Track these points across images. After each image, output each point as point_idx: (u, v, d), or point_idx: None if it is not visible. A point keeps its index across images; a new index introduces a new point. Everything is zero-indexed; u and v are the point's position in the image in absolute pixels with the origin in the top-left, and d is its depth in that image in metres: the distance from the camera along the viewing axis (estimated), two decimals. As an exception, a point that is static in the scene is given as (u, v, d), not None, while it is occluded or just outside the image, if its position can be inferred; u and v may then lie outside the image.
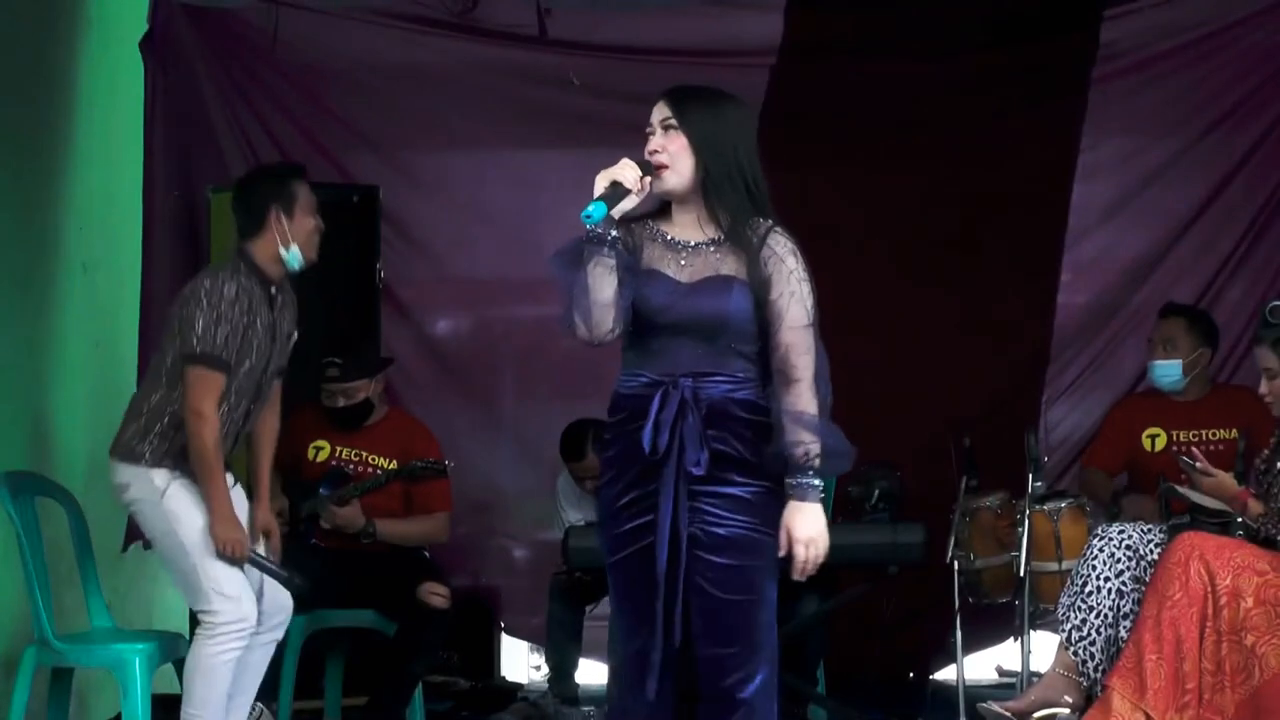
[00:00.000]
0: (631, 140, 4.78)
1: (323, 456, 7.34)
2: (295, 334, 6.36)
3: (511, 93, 8.27)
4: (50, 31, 7.56)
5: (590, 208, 4.55)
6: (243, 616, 6.11)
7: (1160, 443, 7.40)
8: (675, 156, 4.66)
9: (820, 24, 8.10)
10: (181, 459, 6.12)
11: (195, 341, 6.06)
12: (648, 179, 4.63)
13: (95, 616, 6.45)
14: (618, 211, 4.59)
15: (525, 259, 8.47)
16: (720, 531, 4.60)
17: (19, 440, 6.91)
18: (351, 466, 7.32)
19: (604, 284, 4.56)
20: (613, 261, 4.56)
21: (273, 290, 6.25)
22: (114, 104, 8.02)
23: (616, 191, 4.59)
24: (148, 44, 8.01)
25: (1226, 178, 8.25)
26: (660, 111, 4.70)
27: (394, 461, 7.30)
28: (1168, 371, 7.31)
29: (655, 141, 4.67)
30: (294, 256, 6.26)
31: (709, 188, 4.65)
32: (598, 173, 4.65)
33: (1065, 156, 8.24)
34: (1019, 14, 8.06)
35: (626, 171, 4.61)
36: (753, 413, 4.63)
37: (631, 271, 4.61)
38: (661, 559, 4.59)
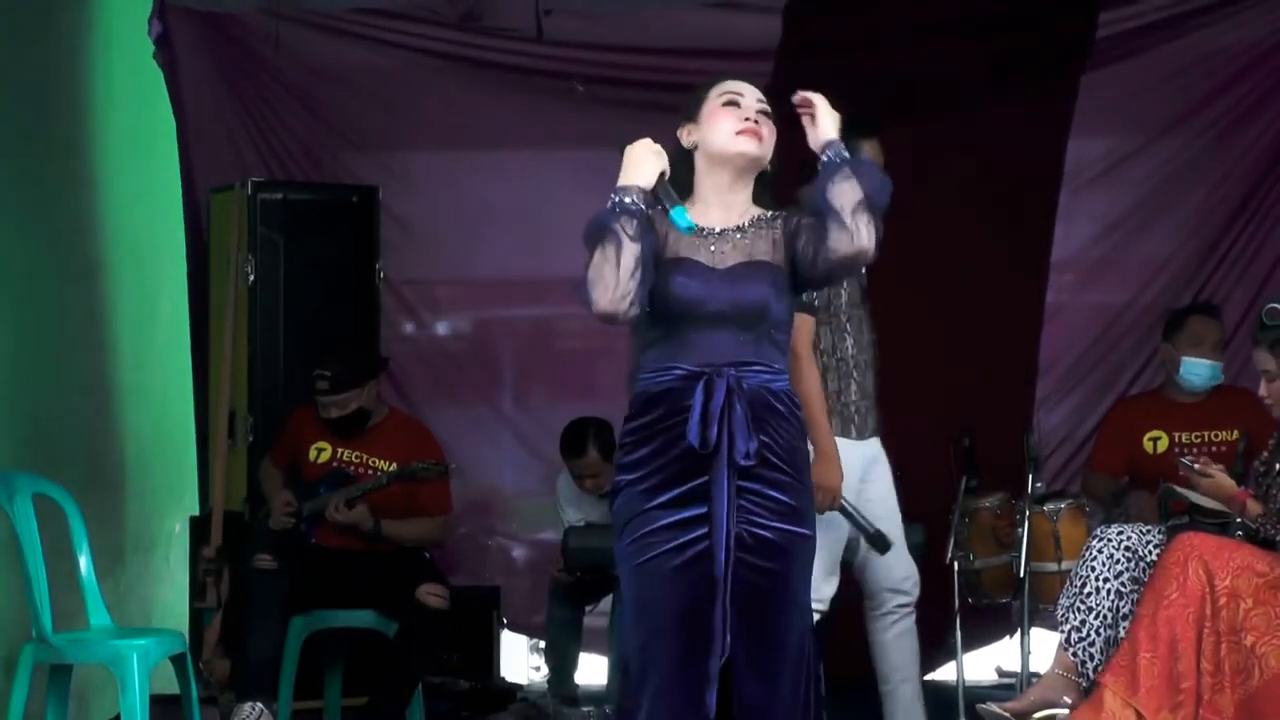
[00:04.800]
0: (631, 140, 4.73)
1: (324, 458, 7.33)
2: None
3: (511, 93, 8.28)
4: (55, 35, 7.57)
5: (687, 221, 4.52)
6: (821, 599, 6.16)
7: (1162, 444, 7.39)
8: (766, 137, 4.64)
9: (818, 25, 8.11)
10: (833, 420, 6.26)
11: None
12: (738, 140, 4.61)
13: (94, 616, 6.45)
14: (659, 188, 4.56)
15: (525, 259, 8.48)
16: (767, 535, 4.50)
17: (18, 440, 6.91)
18: (352, 469, 7.31)
19: (632, 255, 4.46)
20: (639, 242, 4.47)
21: None
22: (114, 106, 8.02)
23: (664, 182, 4.56)
24: (162, 46, 8.05)
25: (1225, 179, 8.26)
26: (758, 93, 4.68)
27: (394, 464, 7.29)
28: (1216, 373, 7.30)
29: (749, 114, 4.63)
30: None
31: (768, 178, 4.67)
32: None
33: (1055, 155, 8.25)
34: (1014, 11, 8.07)
35: (661, 159, 4.56)
36: (788, 405, 4.57)
37: (654, 257, 4.52)
38: (720, 556, 4.47)
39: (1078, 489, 7.57)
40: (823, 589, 6.36)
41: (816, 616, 6.30)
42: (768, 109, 4.67)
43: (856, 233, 4.47)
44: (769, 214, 4.67)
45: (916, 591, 6.54)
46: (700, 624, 4.48)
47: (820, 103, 4.62)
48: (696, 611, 4.48)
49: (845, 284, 6.33)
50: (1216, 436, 7.32)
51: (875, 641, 6.57)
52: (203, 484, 8.12)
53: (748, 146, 4.64)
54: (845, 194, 4.48)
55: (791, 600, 4.55)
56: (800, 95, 4.64)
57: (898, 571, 6.48)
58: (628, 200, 4.50)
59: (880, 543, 6.29)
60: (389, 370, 7.77)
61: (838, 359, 6.35)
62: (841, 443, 6.25)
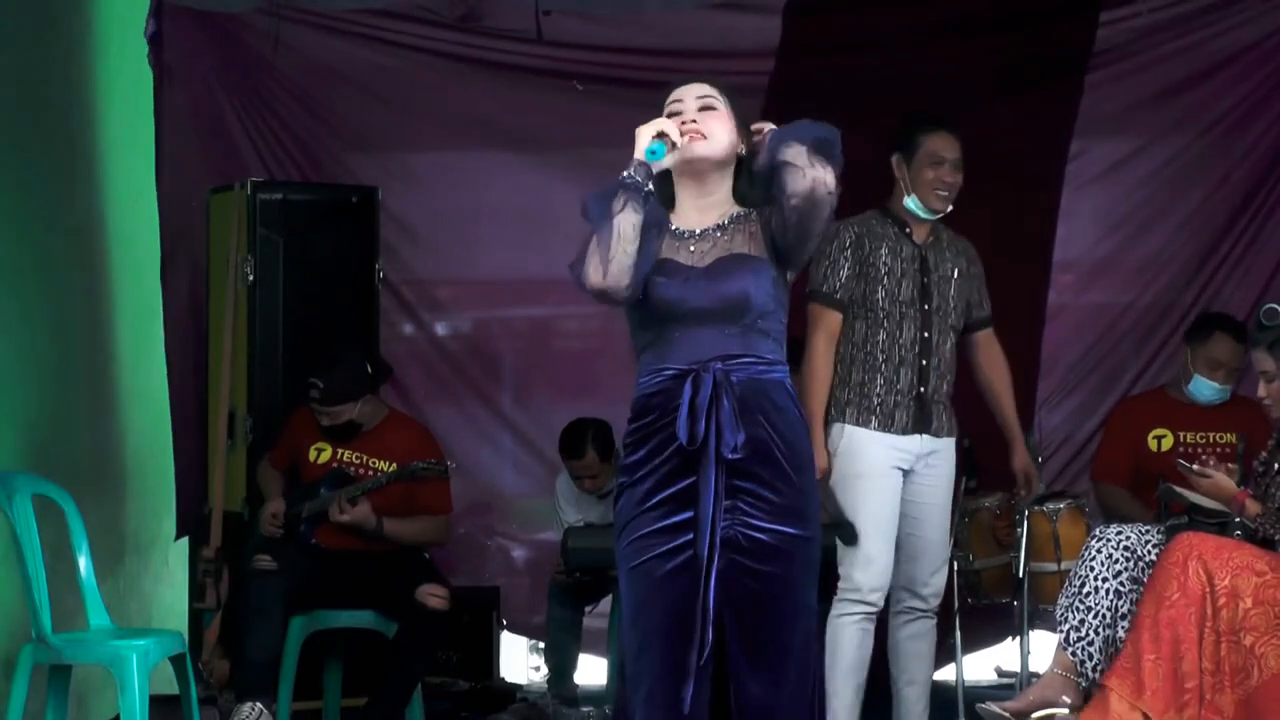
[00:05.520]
0: (631, 141, 4.75)
1: (324, 459, 7.33)
2: (960, 273, 6.60)
3: (511, 93, 8.27)
4: (55, 35, 7.57)
5: (653, 145, 4.53)
6: (855, 588, 6.30)
7: (1167, 443, 7.38)
8: (713, 131, 4.63)
9: (818, 25, 8.11)
10: (849, 409, 6.39)
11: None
12: (682, 139, 4.61)
13: (93, 616, 6.46)
14: (658, 166, 4.56)
15: (525, 259, 8.46)
16: (761, 536, 4.50)
17: (18, 440, 6.91)
18: (353, 469, 7.31)
19: (632, 233, 4.48)
20: (642, 216, 4.49)
21: (907, 230, 6.46)
22: (114, 107, 8.02)
23: (664, 142, 4.56)
24: (155, 46, 8.03)
25: (1226, 179, 8.25)
26: (698, 90, 4.68)
27: (394, 465, 7.28)
28: (1225, 395, 7.31)
29: (688, 116, 4.64)
30: (913, 204, 6.47)
31: (746, 163, 4.67)
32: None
33: (1057, 155, 8.25)
34: (1016, 12, 8.07)
35: (669, 126, 4.58)
36: (784, 397, 4.57)
37: (655, 230, 4.53)
38: (703, 555, 4.47)
39: (1078, 489, 7.56)
40: (932, 581, 6.49)
41: (926, 616, 6.47)
42: (713, 104, 4.67)
43: (809, 167, 4.49)
44: (747, 210, 4.68)
45: (935, 603, 6.56)
46: (690, 629, 4.49)
47: (767, 127, 4.67)
48: (686, 617, 4.49)
49: (886, 280, 6.40)
50: (1221, 439, 7.32)
51: (889, 640, 6.59)
52: (181, 486, 8.10)
53: (692, 150, 4.64)
54: (790, 146, 4.52)
55: (791, 604, 4.54)
56: (755, 127, 4.71)
57: (923, 577, 6.50)
58: (624, 175, 4.53)
59: (845, 533, 6.32)
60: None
61: (866, 352, 6.44)
62: (860, 432, 6.38)
